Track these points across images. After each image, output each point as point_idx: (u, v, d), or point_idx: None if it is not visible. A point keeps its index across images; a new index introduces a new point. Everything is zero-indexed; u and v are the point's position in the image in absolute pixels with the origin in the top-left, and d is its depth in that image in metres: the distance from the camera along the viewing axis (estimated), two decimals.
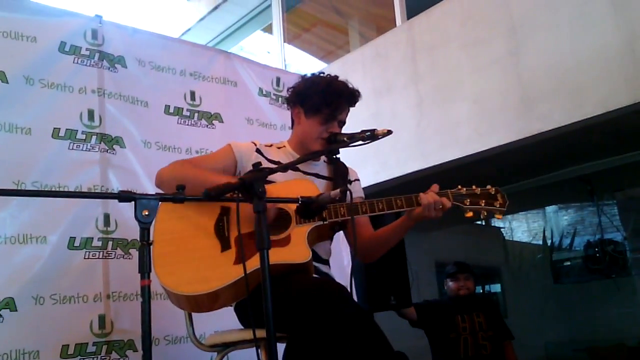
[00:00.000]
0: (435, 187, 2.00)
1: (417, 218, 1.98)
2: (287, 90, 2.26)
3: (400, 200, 1.96)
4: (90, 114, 2.73)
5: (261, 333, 1.55)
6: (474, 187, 2.06)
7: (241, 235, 1.53)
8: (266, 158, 2.12)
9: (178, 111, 3.09)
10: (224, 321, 2.19)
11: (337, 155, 2.19)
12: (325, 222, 1.91)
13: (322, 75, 2.19)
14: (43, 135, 2.57)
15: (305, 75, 2.23)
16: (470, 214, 2.02)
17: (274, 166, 2.05)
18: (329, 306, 1.64)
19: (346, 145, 1.98)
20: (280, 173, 2.02)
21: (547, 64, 4.65)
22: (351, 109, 2.18)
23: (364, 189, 2.32)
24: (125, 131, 2.83)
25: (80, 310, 2.47)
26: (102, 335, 2.49)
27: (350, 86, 2.14)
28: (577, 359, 7.52)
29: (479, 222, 8.90)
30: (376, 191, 5.31)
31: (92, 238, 2.58)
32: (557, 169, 6.02)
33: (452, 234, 7.71)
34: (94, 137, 2.71)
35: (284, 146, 2.22)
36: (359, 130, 1.96)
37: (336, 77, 2.17)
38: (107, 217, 2.64)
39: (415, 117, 5.53)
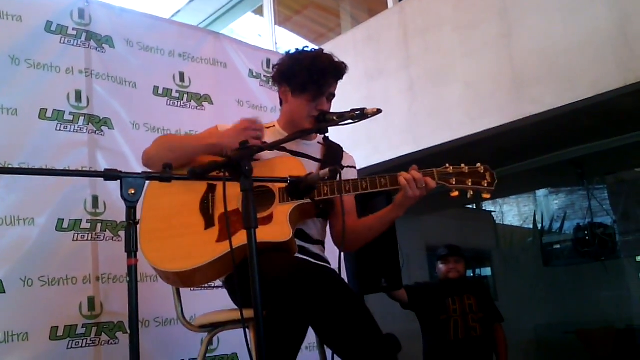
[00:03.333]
0: (414, 167, 1.94)
1: (402, 203, 1.93)
2: (272, 68, 2.22)
3: (385, 179, 1.92)
4: (78, 95, 2.69)
5: (248, 313, 1.54)
6: (462, 165, 1.99)
7: (227, 212, 1.52)
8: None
9: (167, 92, 3.06)
10: (214, 302, 2.19)
11: (327, 134, 2.17)
12: (308, 201, 1.89)
13: (305, 51, 2.12)
14: (30, 116, 2.54)
15: (289, 51, 2.17)
16: (456, 194, 1.96)
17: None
18: (300, 285, 1.63)
19: (335, 124, 1.95)
20: (267, 152, 1.98)
21: (539, 46, 4.64)
22: (343, 91, 2.14)
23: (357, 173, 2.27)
24: (113, 112, 2.79)
25: (69, 292, 2.46)
26: (91, 317, 2.49)
27: (336, 60, 2.08)
28: (567, 341, 7.59)
29: (470, 206, 8.93)
30: (367, 174, 5.30)
31: (81, 220, 2.57)
32: (548, 152, 6.02)
33: (443, 217, 7.72)
34: (81, 118, 2.68)
35: (274, 126, 2.19)
36: (349, 110, 1.93)
37: (321, 51, 2.12)
38: (95, 199, 2.62)
39: (407, 100, 5.51)
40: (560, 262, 7.52)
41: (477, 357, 4.13)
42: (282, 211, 1.86)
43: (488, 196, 2.00)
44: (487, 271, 9.00)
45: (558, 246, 7.47)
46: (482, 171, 1.99)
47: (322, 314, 1.66)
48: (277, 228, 1.82)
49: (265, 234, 1.78)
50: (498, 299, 7.56)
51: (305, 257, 1.99)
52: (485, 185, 1.97)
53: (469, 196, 2.00)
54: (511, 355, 4.38)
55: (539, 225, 9.15)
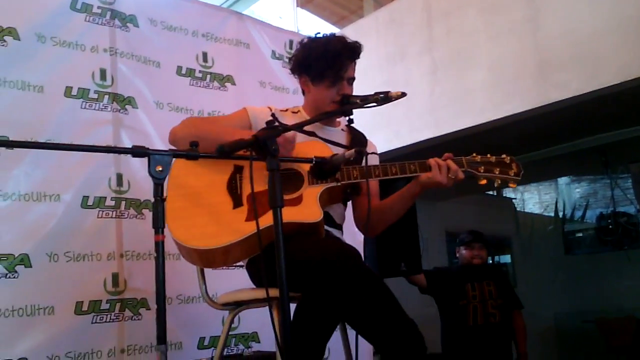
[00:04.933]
0: (449, 155, 1.96)
1: (425, 183, 1.93)
2: (289, 60, 2.21)
3: (414, 165, 1.94)
4: (103, 73, 2.71)
5: (273, 292, 1.56)
6: (488, 155, 2.04)
7: (254, 192, 1.52)
8: (281, 124, 2.09)
9: (190, 72, 3.06)
10: (235, 281, 2.20)
11: (352, 117, 2.16)
12: (337, 184, 1.90)
13: (318, 37, 2.12)
14: (56, 93, 2.56)
15: (302, 41, 2.16)
16: (484, 182, 2.01)
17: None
18: (346, 268, 1.64)
19: (360, 106, 1.94)
20: (297, 138, 2.00)
21: (565, 31, 4.55)
22: (364, 75, 2.12)
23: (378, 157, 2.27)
24: (137, 91, 2.81)
25: (93, 268, 2.50)
26: (115, 293, 2.52)
27: (349, 41, 2.07)
28: (586, 330, 7.55)
29: (490, 193, 8.85)
30: (388, 159, 5.27)
31: (105, 197, 2.60)
32: (571, 139, 5.94)
33: (463, 204, 7.68)
34: (106, 97, 2.70)
35: (299, 111, 2.19)
36: (373, 93, 1.92)
37: (333, 35, 2.11)
38: (119, 177, 2.65)
39: (429, 84, 5.45)
40: (582, 251, 7.46)
41: (495, 344, 4.12)
42: (311, 193, 1.86)
43: (514, 185, 2.06)
44: (506, 258, 8.95)
45: (580, 234, 7.41)
46: (508, 161, 2.04)
47: (357, 296, 1.66)
48: (307, 209, 1.83)
49: (295, 214, 1.79)
50: (517, 287, 7.52)
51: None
52: (512, 175, 2.03)
53: (495, 185, 2.04)
54: (529, 343, 4.37)
55: (561, 214, 9.07)
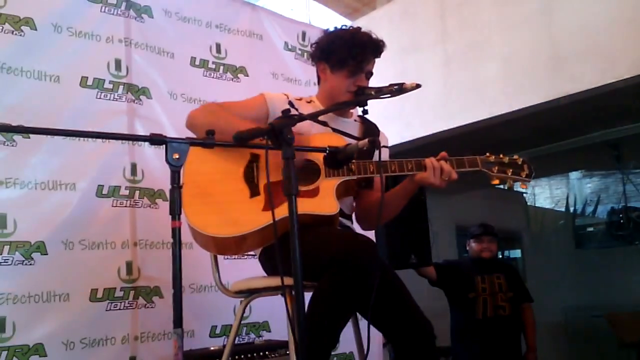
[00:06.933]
0: (444, 155, 1.98)
1: (419, 183, 1.96)
2: (310, 47, 2.23)
3: (411, 163, 1.96)
4: (118, 64, 2.73)
5: (287, 281, 1.57)
6: (501, 155, 2.06)
7: (270, 182, 1.53)
8: (297, 111, 2.10)
9: (204, 63, 3.08)
10: (246, 271, 2.22)
11: (366, 107, 2.17)
12: (354, 177, 1.91)
13: (344, 28, 2.15)
14: (71, 83, 2.59)
15: (327, 29, 2.19)
16: (496, 182, 2.04)
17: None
18: (361, 259, 1.65)
19: (374, 97, 1.95)
20: (311, 128, 2.02)
21: (580, 23, 4.52)
22: (377, 67, 2.14)
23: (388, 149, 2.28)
24: (151, 82, 2.84)
25: (108, 256, 2.53)
26: (129, 281, 2.56)
27: (374, 36, 2.10)
28: (596, 325, 7.51)
29: (501, 187, 8.81)
30: (400, 151, 5.28)
31: (120, 187, 2.63)
32: (584, 133, 5.90)
33: (473, 197, 7.65)
34: (121, 87, 2.72)
35: (313, 101, 2.20)
36: (387, 84, 1.93)
37: (359, 28, 2.13)
38: (134, 167, 2.68)
39: (441, 76, 5.44)
40: (593, 245, 7.42)
41: (504, 336, 4.12)
42: (328, 185, 1.88)
43: (525, 187, 2.13)
44: (516, 253, 8.92)
45: (591, 229, 7.37)
46: (520, 163, 2.07)
47: (371, 287, 1.68)
48: (324, 201, 1.84)
49: (312, 206, 1.81)
50: (527, 281, 7.50)
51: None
52: (524, 176, 2.06)
53: (507, 186, 2.09)
54: (538, 336, 4.36)
55: (572, 209, 9.01)
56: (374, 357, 3.21)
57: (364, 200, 2.12)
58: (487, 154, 2.05)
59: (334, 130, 2.10)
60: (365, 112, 2.15)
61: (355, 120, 2.23)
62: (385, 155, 2.19)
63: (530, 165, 2.08)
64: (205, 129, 1.58)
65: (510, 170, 2.04)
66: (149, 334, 2.57)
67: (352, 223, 2.16)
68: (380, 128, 2.29)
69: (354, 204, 2.18)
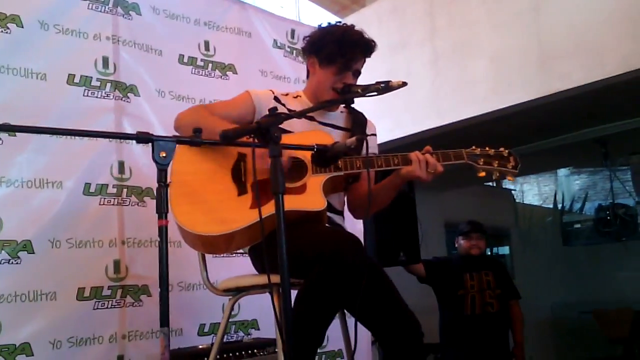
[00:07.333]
0: (428, 149, 1.98)
1: (405, 176, 1.96)
2: (303, 40, 2.23)
3: (397, 158, 1.96)
4: (105, 61, 2.72)
5: (274, 279, 1.58)
6: (487, 148, 2.07)
7: (257, 180, 1.53)
8: (284, 107, 2.11)
9: (192, 61, 3.07)
10: (235, 269, 2.22)
11: (352, 105, 2.17)
12: (341, 173, 1.92)
13: (337, 24, 2.15)
14: (58, 81, 2.56)
15: (320, 24, 2.19)
16: (482, 174, 2.04)
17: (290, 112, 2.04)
18: (347, 256, 1.66)
19: (360, 95, 1.95)
20: (297, 123, 2.02)
21: (568, 20, 4.54)
22: (366, 65, 2.14)
23: (377, 145, 2.30)
24: (139, 79, 2.82)
25: (95, 255, 2.52)
26: (117, 280, 2.55)
27: (366, 36, 2.09)
28: (583, 321, 7.59)
29: (489, 184, 8.87)
30: (390, 148, 5.28)
31: (107, 185, 2.61)
32: (572, 130, 5.93)
33: (462, 194, 7.69)
34: (108, 85, 2.70)
35: (300, 96, 2.20)
36: (374, 82, 1.93)
37: (352, 26, 2.12)
38: (121, 165, 2.67)
39: (431, 73, 5.45)
40: (580, 242, 7.48)
41: (492, 333, 4.16)
42: (315, 182, 1.88)
43: (512, 179, 2.11)
44: (504, 250, 8.98)
45: (578, 225, 7.43)
46: (506, 154, 2.08)
47: (358, 284, 1.68)
48: (311, 198, 1.85)
49: (299, 202, 1.82)
50: (515, 278, 7.57)
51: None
52: (510, 167, 2.07)
53: (494, 177, 2.08)
54: (526, 333, 4.40)
55: (559, 205, 9.08)
56: (362, 354, 3.22)
57: (354, 192, 2.14)
58: (473, 147, 2.05)
59: (321, 123, 2.11)
60: (355, 110, 2.16)
61: (341, 112, 2.23)
62: (373, 142, 2.21)
63: (517, 156, 2.09)
64: (191, 128, 1.57)
65: (497, 162, 2.05)
66: (136, 332, 2.56)
67: (343, 220, 2.16)
68: (367, 116, 2.29)
69: (345, 199, 2.19)
